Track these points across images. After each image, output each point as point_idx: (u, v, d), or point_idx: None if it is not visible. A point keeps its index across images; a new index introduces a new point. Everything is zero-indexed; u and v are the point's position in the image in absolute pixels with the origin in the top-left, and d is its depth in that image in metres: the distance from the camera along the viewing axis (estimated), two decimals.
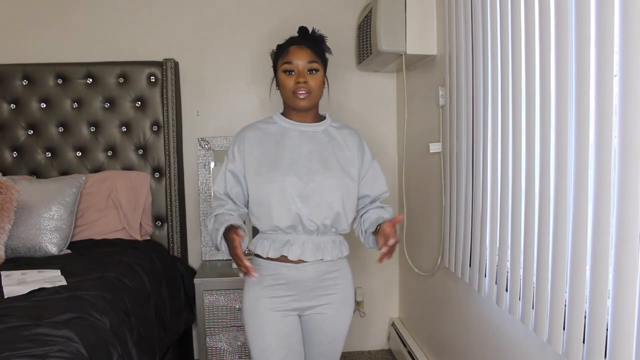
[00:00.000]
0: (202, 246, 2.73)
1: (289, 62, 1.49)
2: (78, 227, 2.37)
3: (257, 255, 1.56)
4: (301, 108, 1.51)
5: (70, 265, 1.97)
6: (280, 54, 1.54)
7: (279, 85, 1.55)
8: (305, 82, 1.48)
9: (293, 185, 1.47)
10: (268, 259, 1.53)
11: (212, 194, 1.62)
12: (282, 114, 1.60)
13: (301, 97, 1.48)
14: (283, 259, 1.51)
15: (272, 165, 1.50)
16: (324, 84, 1.56)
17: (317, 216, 1.48)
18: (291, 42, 1.53)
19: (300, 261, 1.51)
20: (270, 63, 1.62)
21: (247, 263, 1.35)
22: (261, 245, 1.53)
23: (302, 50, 1.50)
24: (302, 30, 1.56)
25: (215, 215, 1.54)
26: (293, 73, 1.49)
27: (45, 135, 2.55)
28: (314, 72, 1.50)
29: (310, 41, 1.53)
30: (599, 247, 1.05)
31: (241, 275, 1.41)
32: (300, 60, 1.48)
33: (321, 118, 1.61)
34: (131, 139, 2.58)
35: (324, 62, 1.56)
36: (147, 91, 2.57)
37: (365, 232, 1.58)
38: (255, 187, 1.51)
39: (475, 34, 1.66)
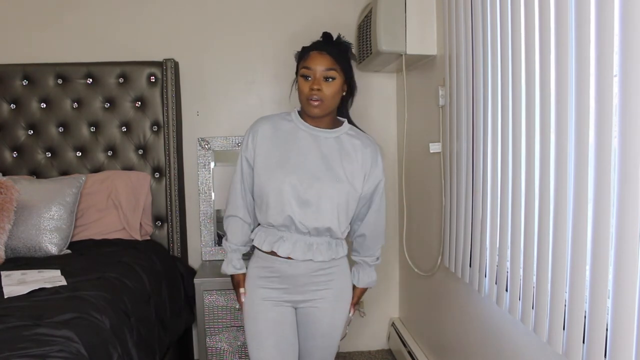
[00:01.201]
0: (202, 246, 2.73)
1: (307, 68, 1.50)
2: (78, 227, 2.37)
3: (256, 247, 1.63)
4: (313, 115, 1.53)
5: (70, 265, 1.97)
6: (302, 56, 1.55)
7: (297, 87, 1.56)
8: (318, 90, 1.48)
9: (292, 188, 1.50)
10: (263, 251, 1.59)
11: (231, 186, 1.66)
12: (300, 113, 1.61)
13: (314, 104, 1.49)
14: (275, 253, 1.56)
15: (277, 164, 1.53)
16: (342, 91, 1.56)
17: (309, 222, 1.51)
18: (314, 46, 1.54)
19: (290, 258, 1.55)
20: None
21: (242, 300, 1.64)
22: (259, 237, 1.60)
23: (322, 56, 1.50)
24: (326, 35, 1.56)
25: (230, 222, 1.67)
26: (310, 78, 1.50)
27: (45, 135, 2.55)
28: (330, 79, 1.50)
29: (333, 47, 1.53)
30: (599, 247, 1.05)
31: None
32: (318, 66, 1.49)
33: (338, 124, 1.62)
34: (131, 139, 2.58)
35: (345, 70, 1.54)
36: (147, 91, 2.57)
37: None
38: (258, 182, 1.56)
39: (475, 34, 1.66)
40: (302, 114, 1.60)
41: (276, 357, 1.57)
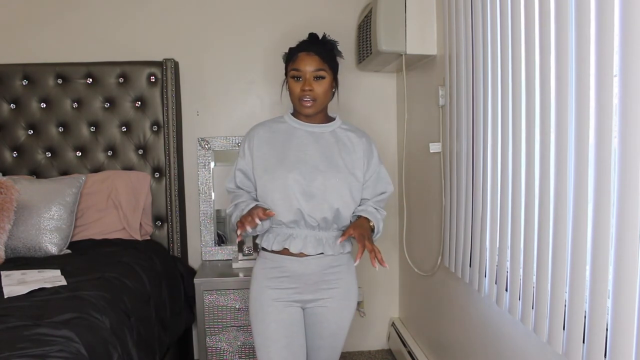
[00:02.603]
0: (202, 246, 2.74)
1: (296, 69, 1.55)
2: (78, 227, 2.37)
3: (263, 249, 1.63)
4: (306, 114, 1.58)
5: (70, 265, 1.97)
6: (290, 58, 1.59)
7: (288, 88, 1.61)
8: (310, 90, 1.54)
9: (296, 183, 1.54)
10: (273, 252, 1.60)
11: (225, 190, 1.70)
12: (292, 114, 1.66)
13: (307, 104, 1.55)
14: (286, 252, 1.57)
15: (278, 163, 1.56)
16: (332, 88, 1.61)
17: (317, 213, 1.54)
18: (301, 47, 1.58)
19: (302, 255, 1.56)
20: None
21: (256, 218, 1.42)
22: (267, 239, 1.60)
23: (310, 57, 1.54)
24: (312, 36, 1.62)
25: (236, 204, 1.60)
26: (300, 79, 1.55)
27: (45, 135, 2.55)
28: (320, 79, 1.55)
29: (320, 47, 1.58)
30: (599, 247, 1.05)
31: (238, 233, 1.44)
32: (308, 67, 1.54)
33: (330, 119, 1.67)
34: (131, 139, 2.58)
35: (333, 68, 1.60)
36: (147, 91, 2.57)
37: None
38: (261, 183, 1.58)
39: (475, 34, 1.66)
40: (295, 113, 1.64)
41: (288, 358, 1.57)
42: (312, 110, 1.56)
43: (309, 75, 1.54)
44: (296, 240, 1.56)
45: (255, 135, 1.63)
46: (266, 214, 1.45)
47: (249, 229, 1.44)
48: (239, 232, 1.44)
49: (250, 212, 1.46)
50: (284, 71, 1.62)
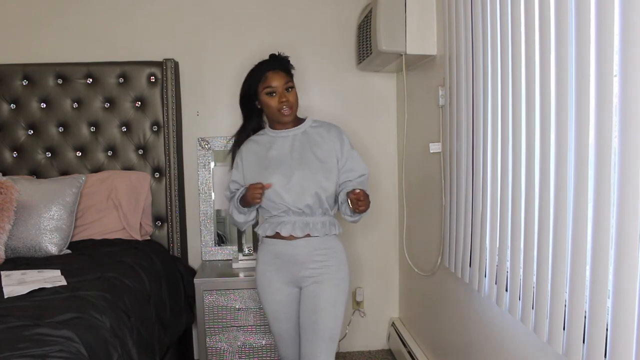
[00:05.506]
0: (202, 246, 2.74)
1: (270, 86, 1.80)
2: (78, 227, 2.37)
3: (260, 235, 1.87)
4: (286, 121, 1.84)
5: (70, 265, 1.97)
6: (258, 79, 1.83)
7: (262, 105, 1.85)
8: (286, 101, 1.80)
9: (279, 181, 1.78)
10: (268, 237, 1.84)
11: (226, 196, 1.99)
12: (270, 126, 1.93)
13: (286, 113, 1.81)
14: (279, 236, 1.80)
15: (263, 167, 1.83)
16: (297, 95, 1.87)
17: (300, 202, 1.77)
18: (266, 68, 1.83)
19: (292, 237, 1.79)
20: None
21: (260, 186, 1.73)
22: (263, 227, 1.86)
23: (277, 74, 1.81)
24: (272, 56, 1.88)
25: (232, 198, 1.88)
26: (275, 94, 1.80)
27: (45, 135, 2.55)
28: (290, 89, 1.82)
29: (281, 63, 1.84)
30: (599, 247, 1.05)
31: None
32: (279, 82, 1.80)
33: (301, 121, 1.90)
34: (131, 139, 2.58)
35: (292, 77, 1.87)
36: (147, 91, 2.57)
37: (341, 203, 1.82)
38: None
39: (475, 34, 1.66)
40: (271, 125, 1.91)
41: (290, 328, 1.87)
42: (291, 116, 1.82)
43: (281, 89, 1.79)
44: (287, 225, 1.78)
45: (244, 150, 1.91)
46: (264, 186, 1.73)
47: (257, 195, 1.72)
48: (258, 198, 1.72)
49: (252, 187, 1.73)
50: (256, 84, 1.81)
